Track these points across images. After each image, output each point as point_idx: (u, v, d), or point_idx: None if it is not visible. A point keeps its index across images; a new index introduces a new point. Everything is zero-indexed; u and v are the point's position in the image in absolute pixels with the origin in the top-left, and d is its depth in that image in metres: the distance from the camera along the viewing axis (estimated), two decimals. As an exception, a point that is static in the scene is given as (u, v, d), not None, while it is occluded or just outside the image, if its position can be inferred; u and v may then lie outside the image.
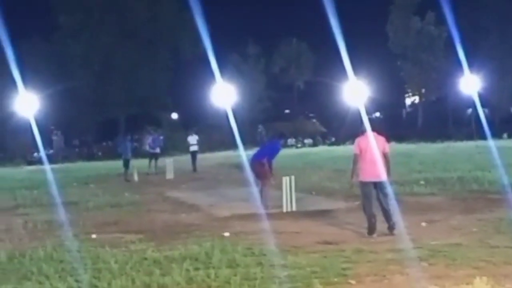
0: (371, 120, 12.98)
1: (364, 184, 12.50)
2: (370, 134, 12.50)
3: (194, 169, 33.12)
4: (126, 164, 30.23)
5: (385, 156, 12.44)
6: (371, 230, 12.29)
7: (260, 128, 54.11)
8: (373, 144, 12.39)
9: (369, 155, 12.34)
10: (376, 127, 12.70)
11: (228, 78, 54.77)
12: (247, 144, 46.68)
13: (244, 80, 66.12)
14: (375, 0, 74.11)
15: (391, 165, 12.68)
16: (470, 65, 50.61)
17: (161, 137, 37.32)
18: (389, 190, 12.53)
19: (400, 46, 70.01)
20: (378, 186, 12.36)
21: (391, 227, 12.24)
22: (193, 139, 34.95)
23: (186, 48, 68.44)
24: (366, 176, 12.38)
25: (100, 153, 62.96)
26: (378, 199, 12.39)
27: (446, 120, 74.00)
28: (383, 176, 12.35)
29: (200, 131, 60.94)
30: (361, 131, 12.77)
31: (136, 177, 29.59)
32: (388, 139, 13.23)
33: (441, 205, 16.28)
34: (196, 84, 63.38)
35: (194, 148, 34.38)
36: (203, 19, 40.42)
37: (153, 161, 33.10)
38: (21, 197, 21.69)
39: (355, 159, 12.56)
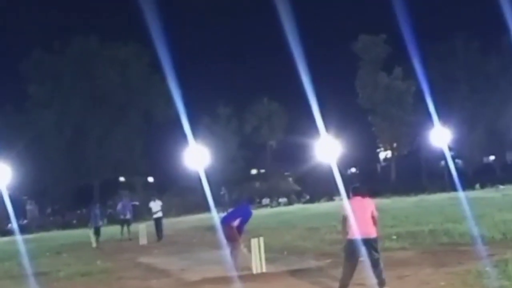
0: (354, 188, 12.97)
1: (352, 242, 12.41)
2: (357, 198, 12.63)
3: (160, 237, 30.69)
4: (97, 232, 30.23)
5: (373, 218, 12.51)
6: (343, 287, 12.28)
7: (223, 190, 53.87)
8: (362, 206, 12.49)
9: (360, 214, 12.37)
10: (360, 190, 12.79)
11: (200, 139, 54.88)
12: (221, 206, 46.70)
13: (216, 141, 66.20)
14: (344, 57, 75.04)
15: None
16: (441, 117, 51.19)
17: (131, 203, 36.84)
18: (379, 246, 12.61)
19: (369, 102, 70.69)
20: (369, 243, 12.31)
21: (381, 284, 12.21)
22: (156, 205, 32.32)
23: (158, 111, 68.79)
24: (356, 233, 12.33)
25: (74, 221, 62.49)
26: (370, 256, 12.32)
27: (419, 173, 74.39)
28: (373, 233, 12.42)
29: (174, 194, 61.05)
30: (350, 194, 12.86)
31: (94, 244, 29.56)
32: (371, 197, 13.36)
33: (411, 260, 16.30)
34: (169, 146, 63.52)
35: (158, 214, 31.84)
36: (174, 82, 40.82)
37: (125, 227, 32.78)
38: (-8, 270, 21.46)
39: (344, 220, 12.61)
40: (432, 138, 59.06)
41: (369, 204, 12.65)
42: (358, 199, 12.62)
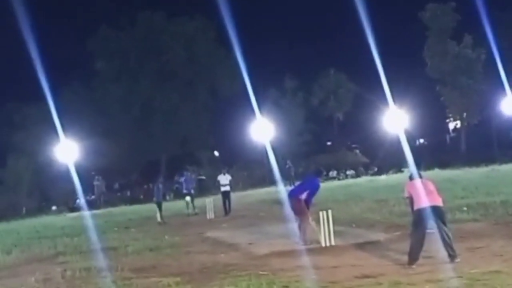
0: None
1: (420, 212, 12.20)
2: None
3: (227, 211, 30.30)
4: (159, 207, 30.25)
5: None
6: (413, 260, 12.03)
7: (288, 163, 53.26)
8: (424, 183, 12.59)
9: (424, 186, 12.31)
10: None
11: (267, 113, 54.76)
12: (288, 179, 46.48)
13: (283, 114, 65.86)
14: (411, 26, 73.81)
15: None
16: (512, 86, 50.16)
17: (195, 177, 36.76)
18: (447, 216, 12.68)
19: (438, 71, 69.27)
20: (437, 211, 12.11)
21: (452, 256, 11.99)
22: (225, 179, 31.64)
23: (225, 86, 68.64)
24: (424, 202, 12.15)
25: (141, 196, 62.93)
26: (439, 227, 12.09)
27: (490, 143, 72.97)
28: (440, 202, 12.32)
29: (240, 168, 61.02)
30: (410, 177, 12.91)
31: (159, 219, 29.73)
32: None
33: (483, 231, 15.93)
34: (236, 121, 63.40)
35: (226, 188, 31.14)
36: (240, 56, 40.66)
37: (189, 202, 32.84)
38: (61, 245, 21.67)
39: (410, 201, 12.61)
40: (503, 107, 57.92)
41: (428, 181, 12.75)
42: (418, 180, 12.69)
